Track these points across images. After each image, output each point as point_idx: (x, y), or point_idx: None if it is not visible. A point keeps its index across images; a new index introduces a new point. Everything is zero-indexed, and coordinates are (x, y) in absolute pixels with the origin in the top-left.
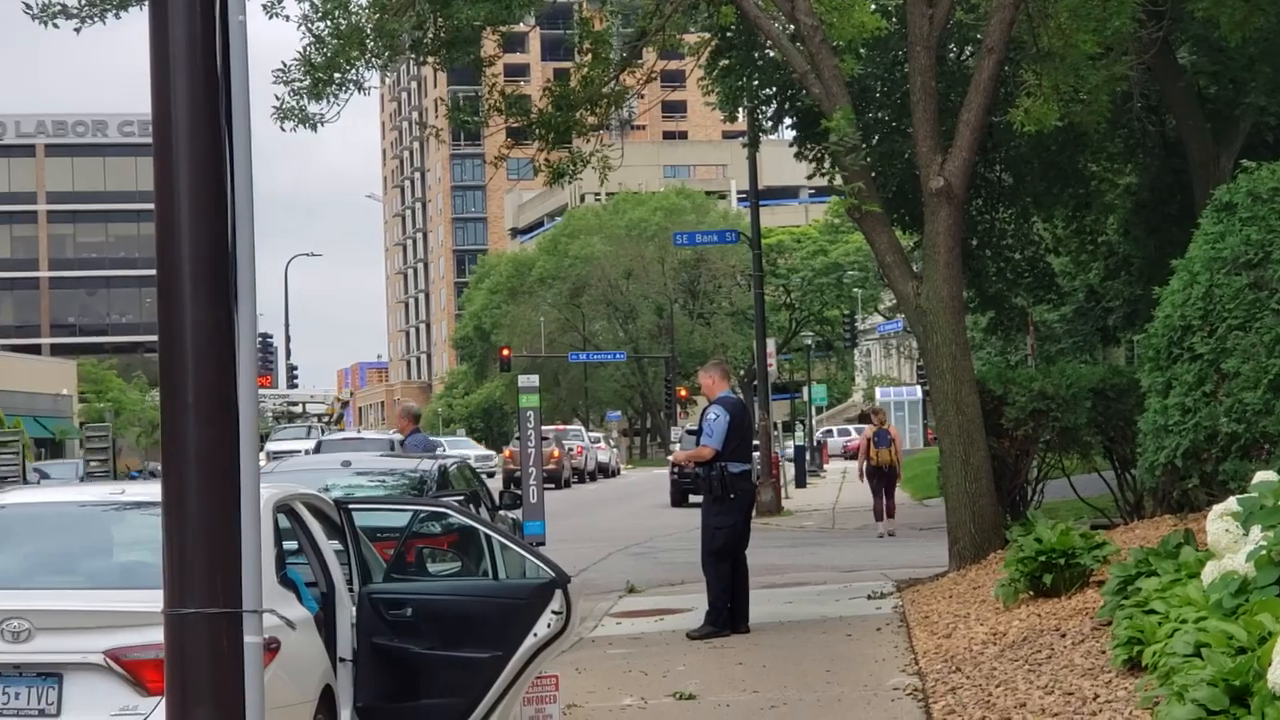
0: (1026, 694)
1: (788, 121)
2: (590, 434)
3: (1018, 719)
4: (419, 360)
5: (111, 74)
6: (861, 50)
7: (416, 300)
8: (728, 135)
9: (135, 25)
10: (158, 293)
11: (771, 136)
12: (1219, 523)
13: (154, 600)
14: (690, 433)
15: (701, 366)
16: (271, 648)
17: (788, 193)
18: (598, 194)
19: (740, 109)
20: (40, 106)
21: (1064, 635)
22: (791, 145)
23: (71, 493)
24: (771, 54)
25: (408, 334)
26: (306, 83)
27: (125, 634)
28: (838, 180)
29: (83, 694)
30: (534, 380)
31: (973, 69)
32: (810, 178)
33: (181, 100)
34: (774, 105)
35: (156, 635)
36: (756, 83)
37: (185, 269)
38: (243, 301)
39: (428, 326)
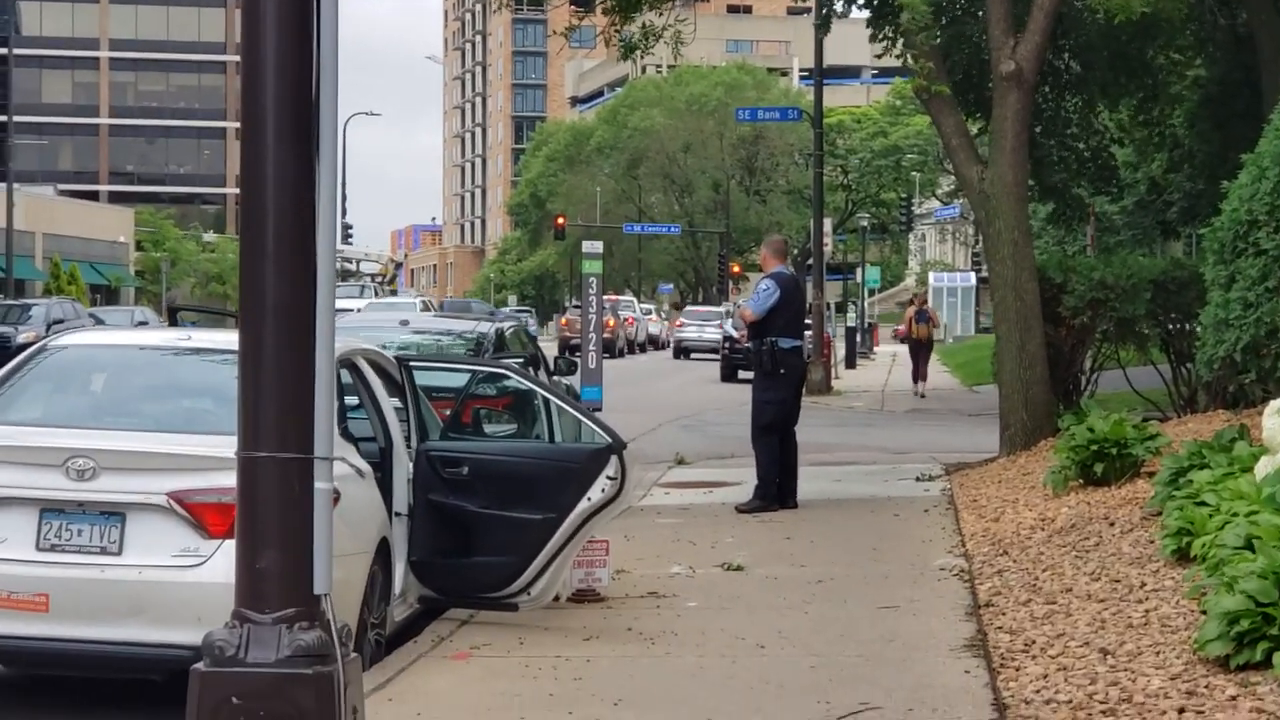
0: (1073, 579)
1: (860, 1)
2: (642, 305)
3: (1064, 603)
4: (473, 225)
5: None
6: None
7: (473, 164)
8: (792, 11)
9: None
10: (241, 138)
11: (841, 18)
12: (1275, 418)
13: (217, 445)
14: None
15: (763, 240)
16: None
17: (849, 72)
18: (659, 66)
19: None
20: None
21: (1113, 524)
22: (867, 27)
23: (135, 336)
24: None
25: (463, 198)
26: None
27: (188, 477)
28: (909, 61)
29: (144, 534)
30: (598, 246)
31: None
32: (880, 57)
33: None
34: None
35: (219, 479)
36: None
37: (269, 115)
38: (324, 150)
39: (483, 191)
